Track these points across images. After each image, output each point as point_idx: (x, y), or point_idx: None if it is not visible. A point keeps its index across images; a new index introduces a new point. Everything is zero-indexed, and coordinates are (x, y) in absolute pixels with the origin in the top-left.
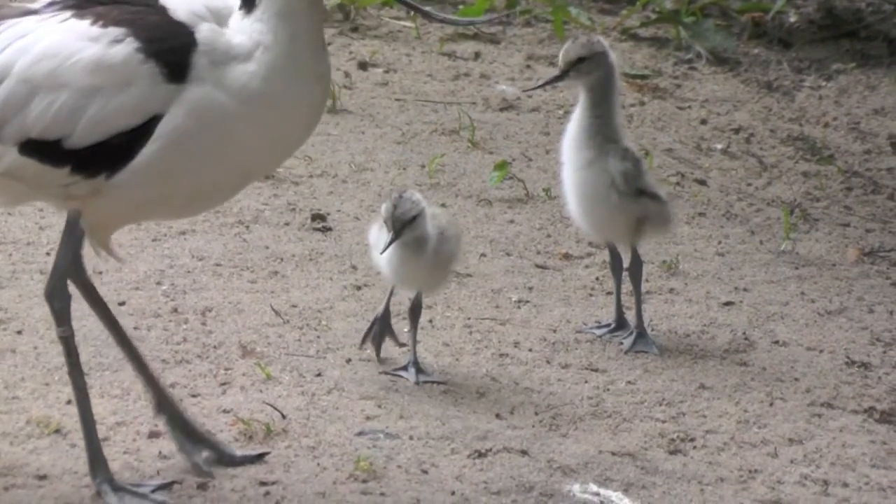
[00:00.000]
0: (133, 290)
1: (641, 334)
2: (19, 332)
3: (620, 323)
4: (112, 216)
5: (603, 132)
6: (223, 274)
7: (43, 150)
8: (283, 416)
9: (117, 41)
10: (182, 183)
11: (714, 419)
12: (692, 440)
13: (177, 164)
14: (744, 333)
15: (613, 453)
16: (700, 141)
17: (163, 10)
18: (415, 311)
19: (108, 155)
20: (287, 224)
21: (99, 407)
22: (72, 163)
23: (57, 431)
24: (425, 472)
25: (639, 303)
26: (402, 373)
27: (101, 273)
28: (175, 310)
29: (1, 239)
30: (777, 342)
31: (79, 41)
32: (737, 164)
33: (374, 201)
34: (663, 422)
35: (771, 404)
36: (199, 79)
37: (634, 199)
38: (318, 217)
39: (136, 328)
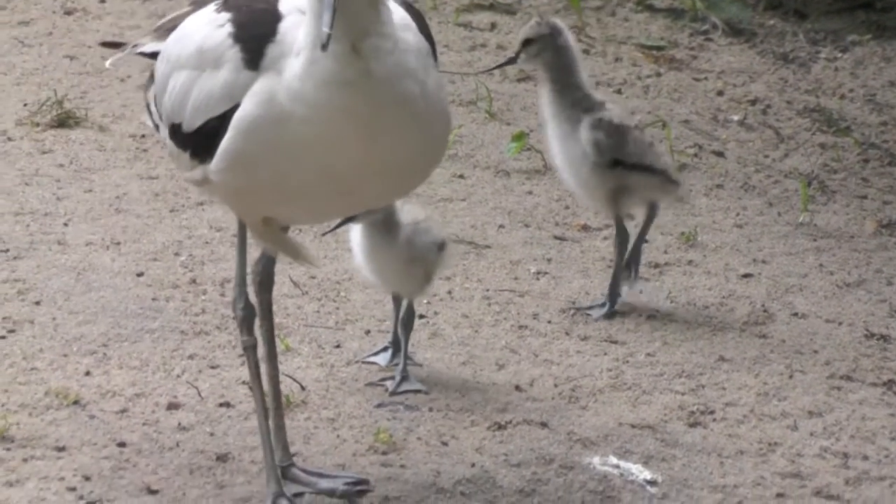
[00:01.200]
0: (151, 261)
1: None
2: (37, 303)
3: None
4: (232, 207)
5: (576, 104)
6: None
7: (175, 132)
8: (303, 388)
9: (220, 26)
10: (263, 176)
11: (733, 391)
12: (712, 413)
13: (249, 154)
14: (763, 305)
15: (633, 426)
16: (717, 112)
17: (275, 2)
18: (407, 321)
19: (207, 140)
20: None
21: (118, 378)
22: (189, 147)
23: (76, 402)
24: (445, 444)
25: (617, 274)
26: (386, 383)
27: (118, 244)
28: (193, 280)
29: (19, 210)
30: (796, 314)
31: (198, 25)
32: (754, 135)
33: None
34: (683, 394)
35: (790, 377)
36: (268, 69)
37: (608, 169)
38: None
39: (154, 299)
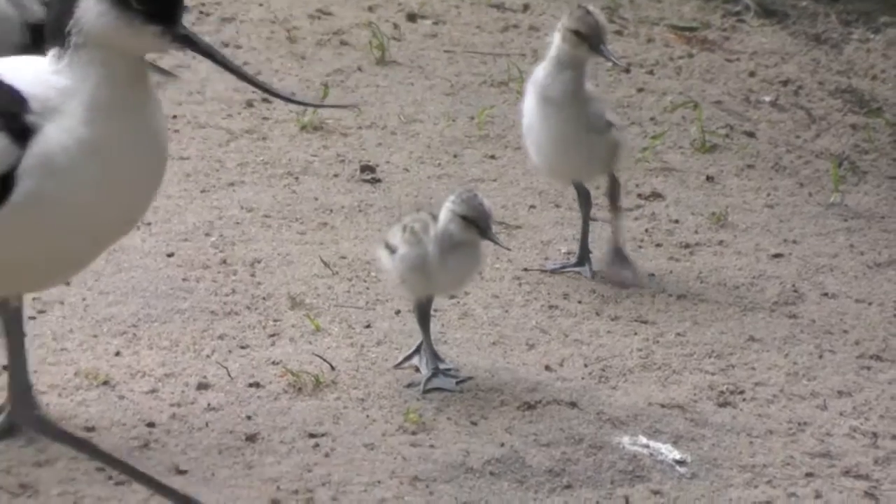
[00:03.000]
0: (182, 241)
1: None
2: (67, 284)
3: (582, 257)
4: None
5: (576, 84)
6: (272, 225)
7: None
8: (333, 368)
9: None
10: None
11: (763, 371)
12: (741, 392)
13: None
14: (793, 286)
15: (663, 405)
16: (748, 93)
17: None
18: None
19: None
20: (336, 175)
21: (147, 359)
22: None
23: (105, 383)
24: (475, 423)
25: (617, 227)
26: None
27: (149, 224)
28: (224, 261)
29: None
30: (826, 294)
31: None
32: (785, 116)
33: (423, 153)
34: (712, 374)
35: (820, 357)
36: None
37: (606, 131)
38: (367, 168)
39: (184, 280)
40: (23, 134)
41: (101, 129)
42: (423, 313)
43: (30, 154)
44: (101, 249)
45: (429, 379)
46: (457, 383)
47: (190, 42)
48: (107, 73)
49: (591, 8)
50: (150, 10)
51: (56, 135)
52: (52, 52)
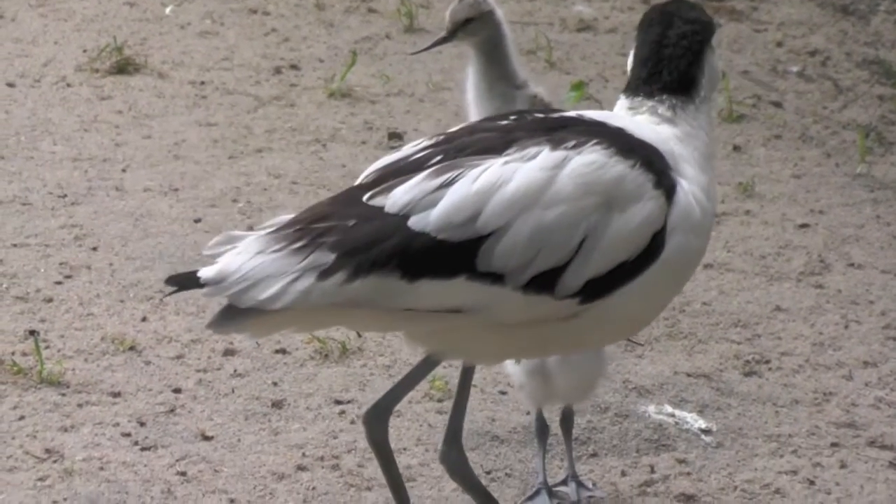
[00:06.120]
0: (209, 207)
1: None
2: (94, 249)
3: None
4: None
5: (504, 79)
6: (299, 192)
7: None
8: (359, 335)
9: None
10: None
11: (789, 341)
12: (767, 362)
13: None
14: (819, 256)
15: (689, 374)
16: (776, 63)
17: None
18: (568, 419)
19: None
20: (364, 142)
21: (174, 325)
22: None
23: (132, 349)
24: (502, 392)
25: None
26: (562, 488)
27: (176, 190)
28: (251, 227)
29: (77, 156)
30: (852, 265)
31: None
32: (812, 86)
33: (451, 120)
34: (738, 343)
35: (846, 327)
36: None
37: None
38: (394, 136)
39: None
40: (669, 191)
41: (710, 176)
42: (542, 426)
43: (675, 209)
44: None
45: (529, 497)
46: None
47: None
48: (711, 122)
49: None
50: None
51: (688, 187)
52: (668, 103)
